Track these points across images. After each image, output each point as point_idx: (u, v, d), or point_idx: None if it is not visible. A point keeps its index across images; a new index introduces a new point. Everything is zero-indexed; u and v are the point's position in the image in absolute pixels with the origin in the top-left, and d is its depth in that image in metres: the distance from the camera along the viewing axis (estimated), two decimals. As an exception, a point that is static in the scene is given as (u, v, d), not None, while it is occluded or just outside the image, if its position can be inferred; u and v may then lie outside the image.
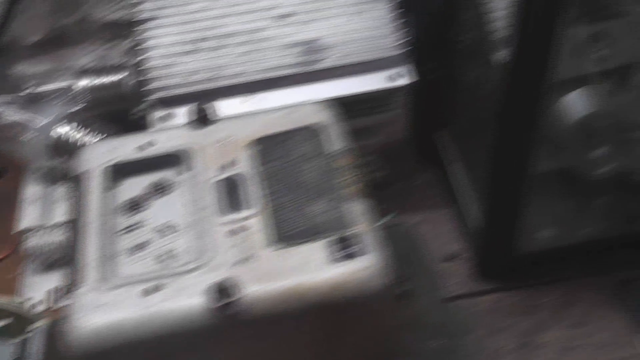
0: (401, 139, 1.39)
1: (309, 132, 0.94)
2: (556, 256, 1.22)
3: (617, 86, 1.10)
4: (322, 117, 0.95)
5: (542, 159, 1.14)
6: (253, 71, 1.17)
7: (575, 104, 1.07)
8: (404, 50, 1.18)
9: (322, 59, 1.17)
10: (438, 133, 1.33)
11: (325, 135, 0.92)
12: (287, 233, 0.82)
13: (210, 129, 0.96)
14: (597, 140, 1.14)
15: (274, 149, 0.92)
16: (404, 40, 1.19)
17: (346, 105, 1.17)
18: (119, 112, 1.35)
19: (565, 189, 1.21)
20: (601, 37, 1.06)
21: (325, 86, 1.18)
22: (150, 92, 1.16)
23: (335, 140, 0.92)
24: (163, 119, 1.14)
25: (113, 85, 1.37)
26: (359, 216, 0.83)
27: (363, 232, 0.81)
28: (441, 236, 1.29)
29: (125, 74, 1.32)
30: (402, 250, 1.10)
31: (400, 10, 1.20)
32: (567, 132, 1.09)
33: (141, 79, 1.17)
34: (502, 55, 0.99)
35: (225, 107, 1.13)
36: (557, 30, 0.91)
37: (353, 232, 0.81)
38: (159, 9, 1.20)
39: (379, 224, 1.26)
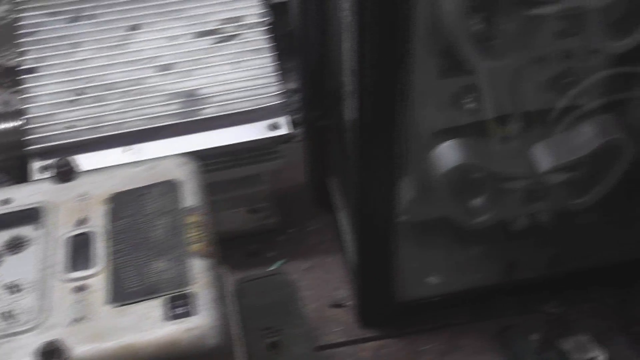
0: (297, 185, 1.41)
1: (166, 187, 0.94)
2: (441, 303, 1.23)
3: (488, 138, 1.11)
4: (182, 171, 0.96)
5: (423, 208, 1.16)
6: (134, 121, 1.18)
7: (447, 155, 1.08)
8: (284, 100, 1.19)
9: (203, 109, 1.18)
10: (329, 180, 1.34)
11: (181, 191, 0.93)
12: (126, 291, 0.82)
13: (71, 183, 0.96)
14: (473, 190, 1.15)
15: (129, 204, 0.92)
16: (285, 90, 1.20)
17: (229, 154, 1.18)
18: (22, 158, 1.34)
19: (449, 238, 1.23)
20: (470, 90, 1.08)
21: (206, 136, 1.18)
22: (31, 142, 1.16)
23: (190, 196, 0.92)
24: (43, 169, 1.14)
25: (15, 131, 1.36)
26: (199, 274, 0.83)
27: (200, 290, 0.81)
28: (331, 282, 1.30)
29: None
30: (279, 299, 1.11)
31: (279, 62, 1.21)
32: (441, 182, 1.10)
33: (24, 128, 1.18)
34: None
35: (104, 157, 1.14)
36: (397, 81, 0.92)
37: (190, 290, 0.81)
38: (43, 58, 1.21)
39: (268, 270, 1.28)
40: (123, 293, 0.83)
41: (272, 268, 1.31)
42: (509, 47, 0.98)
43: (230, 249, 1.33)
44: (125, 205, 0.93)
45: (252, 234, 1.35)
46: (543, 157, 1.11)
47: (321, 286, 1.28)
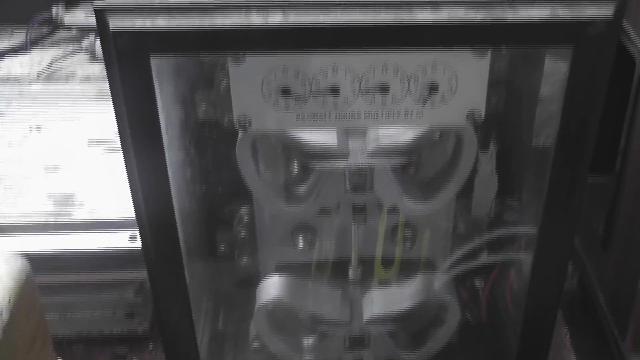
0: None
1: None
2: None
3: (318, 280, 1.15)
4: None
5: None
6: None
7: (265, 289, 1.12)
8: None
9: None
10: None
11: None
12: None
13: None
14: (297, 329, 1.18)
15: None
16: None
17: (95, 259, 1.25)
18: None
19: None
20: (303, 229, 1.12)
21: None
22: None
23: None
24: None
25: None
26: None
27: None
28: None
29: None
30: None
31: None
32: (258, 315, 1.12)
33: None
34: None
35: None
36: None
37: None
38: None
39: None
40: None
41: (131, 374, 1.36)
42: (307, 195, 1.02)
43: (100, 348, 1.41)
44: None
45: (125, 337, 1.40)
46: (368, 306, 1.13)
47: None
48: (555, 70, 0.91)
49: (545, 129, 0.97)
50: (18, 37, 1.57)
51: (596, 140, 0.89)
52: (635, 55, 1.11)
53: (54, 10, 1.57)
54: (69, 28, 1.58)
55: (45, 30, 1.59)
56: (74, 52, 1.51)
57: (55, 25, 1.59)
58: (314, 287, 1.14)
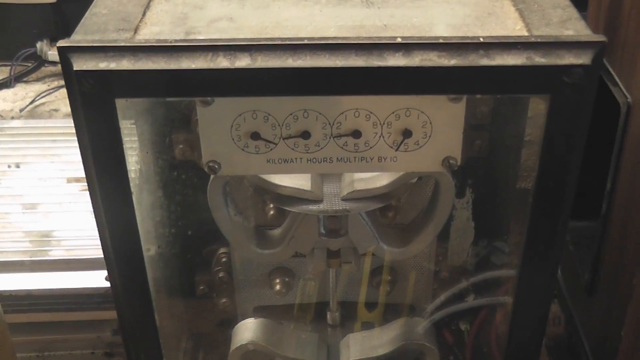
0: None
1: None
2: None
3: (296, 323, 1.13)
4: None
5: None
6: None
7: (240, 332, 1.10)
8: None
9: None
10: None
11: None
12: None
13: None
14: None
15: None
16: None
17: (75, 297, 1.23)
18: None
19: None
20: (280, 273, 1.10)
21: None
22: None
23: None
24: None
25: None
26: None
27: None
28: None
29: None
30: None
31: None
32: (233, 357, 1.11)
33: None
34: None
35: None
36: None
37: None
38: None
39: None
40: None
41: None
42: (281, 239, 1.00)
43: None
44: None
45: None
46: (345, 350, 1.11)
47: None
48: (540, 114, 0.89)
49: (531, 172, 0.95)
50: (2, 73, 1.56)
51: (582, 186, 0.86)
52: (620, 100, 1.09)
53: (38, 45, 1.57)
54: (53, 63, 1.57)
55: (29, 65, 1.58)
56: (58, 88, 1.50)
57: (40, 61, 1.59)
58: (291, 330, 1.12)
